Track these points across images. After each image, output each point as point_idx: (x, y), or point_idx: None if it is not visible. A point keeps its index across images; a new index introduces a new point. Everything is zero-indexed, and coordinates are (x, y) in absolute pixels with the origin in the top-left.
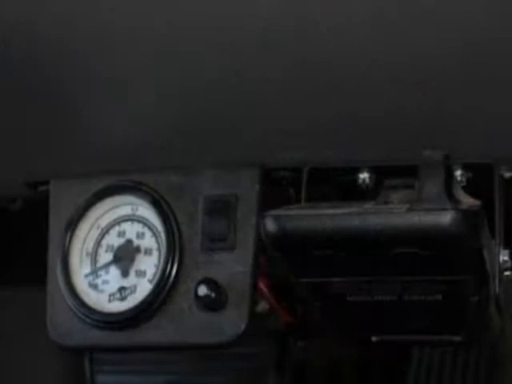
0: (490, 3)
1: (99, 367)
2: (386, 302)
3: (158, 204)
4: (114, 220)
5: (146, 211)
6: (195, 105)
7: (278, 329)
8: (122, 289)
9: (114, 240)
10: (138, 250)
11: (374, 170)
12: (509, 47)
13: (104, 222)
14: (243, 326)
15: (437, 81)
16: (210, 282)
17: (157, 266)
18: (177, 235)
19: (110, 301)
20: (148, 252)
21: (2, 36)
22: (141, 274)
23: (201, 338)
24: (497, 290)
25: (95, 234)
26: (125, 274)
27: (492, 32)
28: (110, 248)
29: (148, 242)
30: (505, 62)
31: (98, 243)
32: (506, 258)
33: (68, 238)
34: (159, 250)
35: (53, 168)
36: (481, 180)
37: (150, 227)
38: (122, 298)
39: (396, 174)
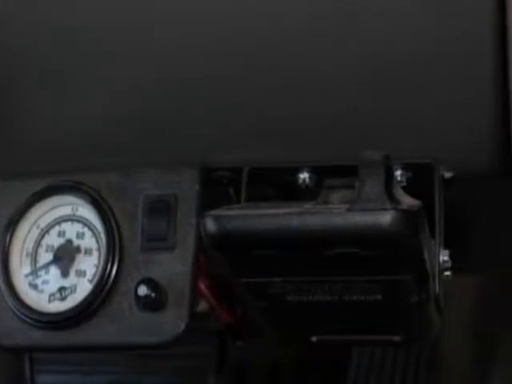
0: (428, 8)
1: (39, 367)
2: (326, 302)
3: (97, 204)
4: (54, 220)
5: (86, 211)
6: (135, 105)
7: (218, 329)
8: (62, 289)
9: (54, 240)
10: (78, 249)
11: (314, 170)
12: (444, 52)
13: (44, 222)
14: (183, 326)
15: (376, 81)
16: (150, 282)
17: (97, 266)
18: (117, 235)
19: (50, 301)
20: (88, 252)
21: None
22: (81, 273)
23: (141, 337)
24: (437, 290)
25: (35, 234)
26: (65, 273)
27: (428, 36)
28: (49, 248)
29: (88, 241)
30: (442, 65)
31: (37, 243)
32: (445, 258)
33: (8, 238)
34: (99, 249)
35: None
36: (421, 180)
37: (90, 227)
38: (62, 298)
39: (336, 174)
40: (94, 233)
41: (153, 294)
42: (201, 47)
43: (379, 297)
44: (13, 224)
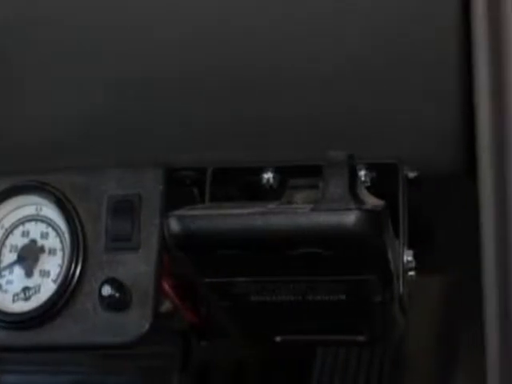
0: (393, 9)
1: (3, 367)
2: (290, 302)
3: (61, 204)
4: (18, 220)
5: (50, 211)
6: (99, 105)
7: (182, 329)
8: (26, 289)
9: (17, 240)
10: (42, 249)
11: (278, 170)
12: (408, 52)
13: (8, 222)
14: (147, 326)
15: (340, 81)
16: (114, 282)
17: (61, 266)
18: (81, 235)
19: (14, 301)
20: (52, 252)
21: None
22: (45, 273)
23: (105, 337)
24: (401, 290)
25: None
26: (29, 273)
27: (392, 37)
28: (13, 248)
29: (52, 241)
30: (406, 66)
31: (1, 243)
32: (409, 258)
33: None
34: (63, 250)
35: None
36: (385, 180)
37: (54, 227)
38: (26, 298)
39: (300, 174)
40: (58, 233)
41: (117, 294)
42: (164, 48)
43: (343, 297)
44: None
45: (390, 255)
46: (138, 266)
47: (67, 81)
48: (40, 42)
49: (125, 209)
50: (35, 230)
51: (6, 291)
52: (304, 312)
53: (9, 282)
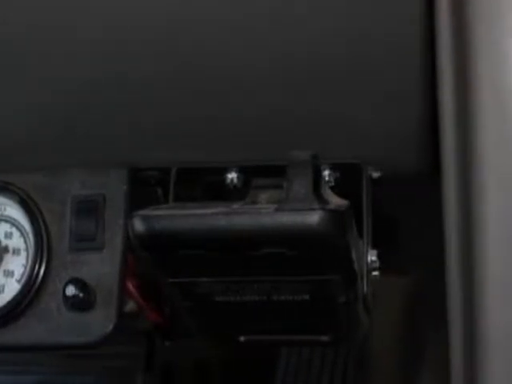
0: (355, 9)
1: None
2: (254, 302)
3: (25, 204)
4: None
5: (14, 211)
6: (62, 105)
7: (146, 329)
8: None
9: None
10: (6, 249)
11: (242, 170)
12: (371, 52)
13: None
14: (111, 326)
15: (304, 81)
16: (78, 282)
17: (25, 266)
18: (45, 235)
19: None
20: (16, 252)
21: None
22: (9, 273)
23: (69, 337)
24: (365, 289)
25: None
26: None
27: (355, 37)
28: None
29: (16, 241)
30: (369, 65)
31: None
32: (373, 258)
33: None
34: (27, 250)
35: None
36: (349, 180)
37: (18, 227)
38: None
39: (264, 174)
40: (22, 233)
41: (81, 294)
42: (122, 48)
43: (307, 297)
44: None
45: (353, 255)
46: (102, 266)
47: (30, 80)
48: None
49: (89, 209)
50: None
51: None
52: (268, 312)
53: None
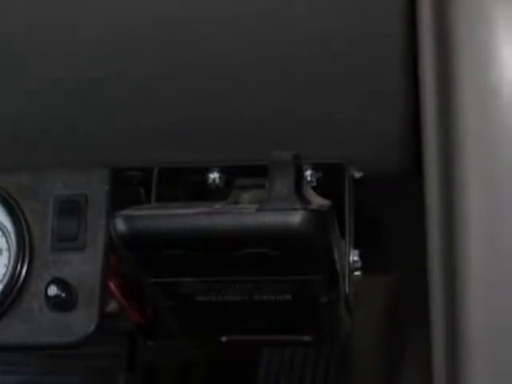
0: (336, 8)
1: None
2: (236, 302)
3: (7, 204)
4: None
5: None
6: (45, 105)
7: (129, 329)
8: None
9: None
10: None
11: (224, 170)
12: (354, 52)
13: None
14: (93, 326)
15: (286, 81)
16: (60, 282)
17: (7, 266)
18: (27, 235)
19: None
20: None
21: None
22: None
23: (51, 337)
24: (347, 290)
25: None
26: None
27: (337, 36)
28: None
29: None
30: (352, 65)
31: None
32: (355, 258)
33: None
34: (9, 249)
35: None
36: (331, 180)
37: (0, 227)
38: None
39: (246, 174)
40: (3, 233)
41: (63, 294)
42: (107, 48)
43: (289, 297)
44: None
45: (335, 255)
46: (84, 265)
47: (12, 80)
48: None
49: (71, 209)
50: None
51: None
52: (250, 312)
53: None
